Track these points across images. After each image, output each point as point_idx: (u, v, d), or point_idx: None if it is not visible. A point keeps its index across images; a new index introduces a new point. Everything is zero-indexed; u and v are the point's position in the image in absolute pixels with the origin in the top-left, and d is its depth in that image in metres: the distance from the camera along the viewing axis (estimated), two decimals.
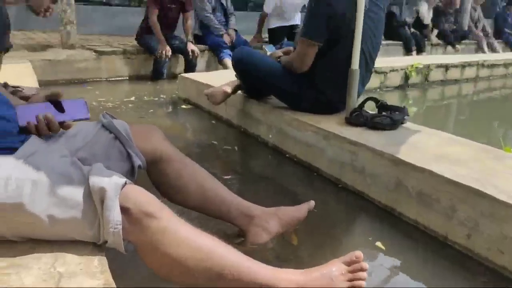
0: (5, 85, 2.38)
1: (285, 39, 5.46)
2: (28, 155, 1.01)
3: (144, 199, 0.96)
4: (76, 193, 0.93)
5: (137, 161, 1.25)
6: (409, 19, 7.14)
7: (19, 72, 3.10)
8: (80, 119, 1.16)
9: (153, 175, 1.37)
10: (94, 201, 0.92)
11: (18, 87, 2.49)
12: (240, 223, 1.41)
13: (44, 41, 4.71)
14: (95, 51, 4.36)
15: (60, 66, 4.03)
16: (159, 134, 1.39)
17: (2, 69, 2.44)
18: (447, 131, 2.20)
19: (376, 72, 4.34)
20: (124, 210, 0.92)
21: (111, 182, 0.93)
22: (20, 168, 0.96)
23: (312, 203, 1.48)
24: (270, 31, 5.68)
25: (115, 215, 0.91)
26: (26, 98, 2.37)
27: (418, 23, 7.35)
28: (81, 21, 4.91)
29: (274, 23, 5.61)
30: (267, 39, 5.90)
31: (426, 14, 7.32)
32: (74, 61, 4.14)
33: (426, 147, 1.88)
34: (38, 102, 1.18)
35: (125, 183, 0.95)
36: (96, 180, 0.93)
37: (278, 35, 5.50)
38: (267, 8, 5.62)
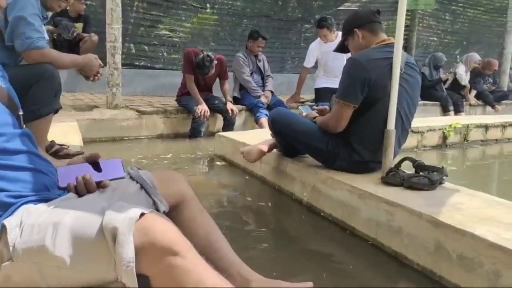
0: (52, 143, 2.52)
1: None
2: (59, 204, 1.06)
3: (169, 235, 0.94)
4: (92, 233, 0.94)
5: (162, 208, 1.29)
6: (440, 76, 7.14)
7: (66, 131, 3.26)
8: (116, 178, 1.21)
9: (170, 216, 1.39)
10: (107, 238, 0.93)
11: (63, 145, 2.63)
12: (235, 284, 1.37)
13: (91, 102, 4.98)
14: (137, 111, 4.56)
15: (104, 125, 4.23)
16: (182, 179, 1.45)
17: (51, 127, 2.58)
18: (488, 192, 2.13)
19: (413, 131, 4.31)
20: (145, 245, 0.91)
21: (125, 218, 0.93)
22: (46, 213, 1.01)
23: (309, 284, 1.44)
24: (317, 90, 5.72)
25: (128, 252, 0.90)
26: (70, 156, 2.51)
27: (456, 84, 7.33)
28: (126, 83, 5.19)
29: (321, 83, 5.65)
30: (303, 99, 6.01)
31: (464, 75, 7.30)
32: (117, 120, 4.33)
33: (467, 208, 1.82)
34: (77, 163, 1.24)
35: (142, 214, 0.95)
36: (109, 217, 0.94)
37: (324, 95, 5.41)
38: (307, 63, 5.75)
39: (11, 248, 0.96)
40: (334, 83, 5.48)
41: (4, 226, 0.98)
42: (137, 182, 1.29)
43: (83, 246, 0.95)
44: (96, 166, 1.22)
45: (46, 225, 0.97)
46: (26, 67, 2.41)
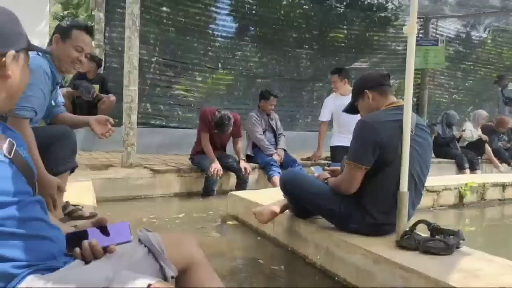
0: (67, 204, 2.55)
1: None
2: (65, 273, 1.05)
3: None
4: None
5: (170, 273, 1.27)
6: (453, 134, 7.12)
7: (80, 190, 3.30)
8: (123, 242, 1.21)
9: (179, 280, 1.36)
10: None
11: (77, 205, 2.66)
12: None
13: (106, 161, 5.06)
14: (152, 170, 4.62)
15: (118, 184, 4.27)
16: (192, 242, 1.41)
17: (66, 187, 2.62)
18: (509, 255, 2.06)
19: (429, 190, 4.24)
20: None
21: None
22: (51, 285, 1.00)
23: None
24: (332, 148, 5.54)
25: None
26: (84, 217, 2.52)
27: (470, 141, 7.30)
28: (141, 141, 5.29)
29: (336, 141, 5.46)
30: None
31: (470, 132, 7.26)
32: (131, 179, 4.38)
33: (485, 275, 1.76)
34: (85, 228, 1.25)
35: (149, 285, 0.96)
36: None
37: (340, 154, 5.01)
38: (323, 116, 5.65)
39: None
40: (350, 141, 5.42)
41: None
42: (145, 246, 1.28)
43: None
44: (104, 230, 1.23)
45: None
46: (47, 128, 2.51)
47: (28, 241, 1.09)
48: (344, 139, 5.32)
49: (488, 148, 7.36)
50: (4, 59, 1.10)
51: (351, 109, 2.62)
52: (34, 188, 1.22)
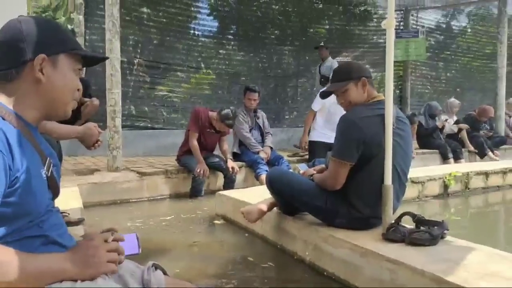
0: None
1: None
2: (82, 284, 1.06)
3: None
4: None
5: None
6: (436, 124, 7.20)
7: (67, 196, 3.27)
8: (131, 255, 1.21)
9: None
10: None
11: (64, 212, 2.64)
12: None
13: (92, 165, 5.03)
14: (138, 173, 4.59)
15: (105, 188, 4.24)
16: None
17: None
18: (495, 242, 2.11)
19: (413, 182, 4.31)
20: None
21: None
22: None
23: None
24: (312, 143, 5.58)
25: None
26: (71, 224, 2.50)
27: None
28: (127, 145, 5.26)
29: (317, 136, 5.49)
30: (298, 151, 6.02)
31: (449, 126, 7.37)
32: (118, 183, 4.35)
33: (470, 264, 1.80)
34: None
35: None
36: None
37: (319, 150, 5.17)
38: (315, 106, 5.65)
39: None
40: (331, 138, 5.41)
41: None
42: None
43: None
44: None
45: None
46: None
47: (52, 246, 1.11)
48: (324, 135, 5.34)
49: (464, 136, 7.41)
50: (33, 63, 1.10)
51: (329, 93, 2.56)
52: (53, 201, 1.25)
